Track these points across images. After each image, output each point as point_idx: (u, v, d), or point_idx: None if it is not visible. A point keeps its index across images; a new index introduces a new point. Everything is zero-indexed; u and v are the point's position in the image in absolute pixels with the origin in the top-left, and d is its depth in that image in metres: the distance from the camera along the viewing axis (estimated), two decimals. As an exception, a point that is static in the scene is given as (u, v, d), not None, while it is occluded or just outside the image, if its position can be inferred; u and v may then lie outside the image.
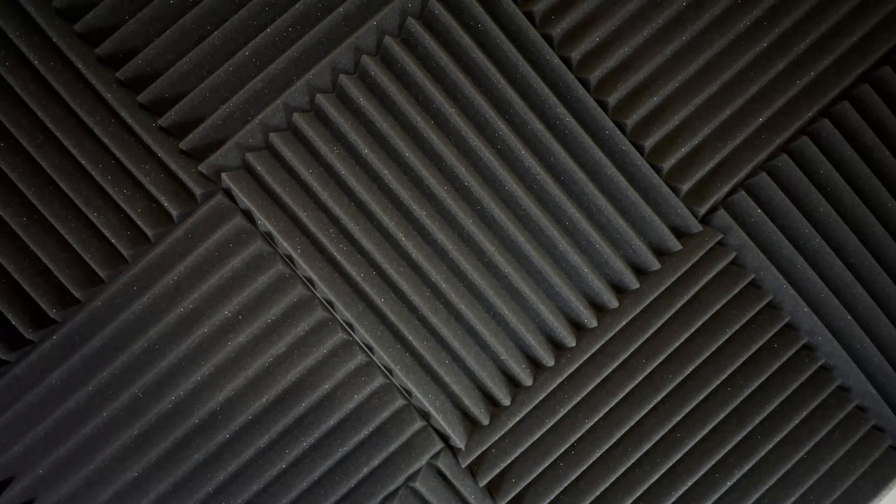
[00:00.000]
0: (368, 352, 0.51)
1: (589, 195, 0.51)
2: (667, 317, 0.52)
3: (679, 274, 0.52)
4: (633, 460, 0.52)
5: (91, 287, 0.49)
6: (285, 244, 0.49)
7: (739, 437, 0.53)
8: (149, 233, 0.49)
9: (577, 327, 0.53)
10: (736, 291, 0.53)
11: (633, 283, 0.52)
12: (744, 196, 0.53)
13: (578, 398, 0.52)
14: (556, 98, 0.50)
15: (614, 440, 0.52)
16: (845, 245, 0.54)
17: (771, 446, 0.54)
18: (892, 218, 0.54)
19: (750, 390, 0.53)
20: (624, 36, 0.52)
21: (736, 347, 0.53)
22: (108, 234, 0.49)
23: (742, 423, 0.53)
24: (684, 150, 0.52)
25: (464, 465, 0.51)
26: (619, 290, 0.53)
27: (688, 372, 0.53)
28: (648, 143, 0.52)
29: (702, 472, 0.53)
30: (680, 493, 0.53)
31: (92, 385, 0.48)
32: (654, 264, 0.53)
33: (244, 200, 0.49)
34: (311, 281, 0.51)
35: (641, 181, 0.52)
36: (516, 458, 0.52)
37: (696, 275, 0.53)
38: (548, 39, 0.51)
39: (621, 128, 0.52)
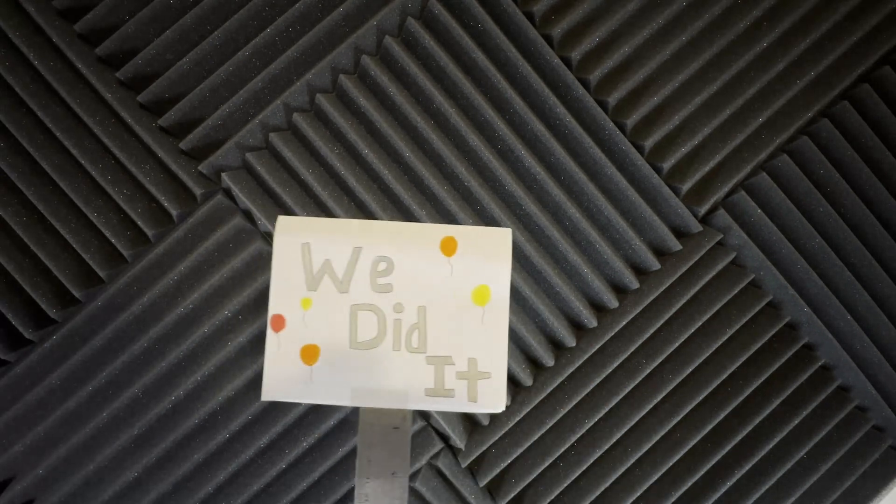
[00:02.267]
0: (368, 352, 0.51)
1: (589, 195, 0.51)
2: (667, 317, 0.52)
3: (679, 274, 0.52)
4: (633, 460, 0.52)
5: (91, 287, 0.49)
6: (285, 244, 0.49)
7: (739, 437, 0.53)
8: (149, 233, 0.49)
9: (577, 327, 0.53)
10: (736, 291, 0.53)
11: (633, 283, 0.53)
12: (744, 196, 0.53)
13: (578, 398, 0.52)
14: (556, 98, 0.50)
15: (614, 440, 0.52)
16: (845, 245, 0.54)
17: (771, 446, 0.54)
18: (892, 218, 0.54)
19: (750, 390, 0.53)
20: (624, 36, 0.52)
21: (736, 347, 0.53)
22: (108, 234, 0.49)
23: (742, 423, 0.53)
24: (684, 150, 0.52)
25: (464, 465, 0.51)
26: (619, 290, 0.53)
27: (688, 372, 0.53)
28: (648, 143, 0.52)
29: (702, 472, 0.53)
30: (680, 493, 0.53)
31: (92, 385, 0.48)
32: (654, 264, 0.53)
33: (244, 200, 0.49)
34: (311, 281, 0.51)
35: (641, 181, 0.52)
36: (516, 458, 0.52)
37: (696, 275, 0.53)
38: (548, 39, 0.51)
39: (621, 128, 0.52)
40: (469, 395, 0.35)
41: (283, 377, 0.34)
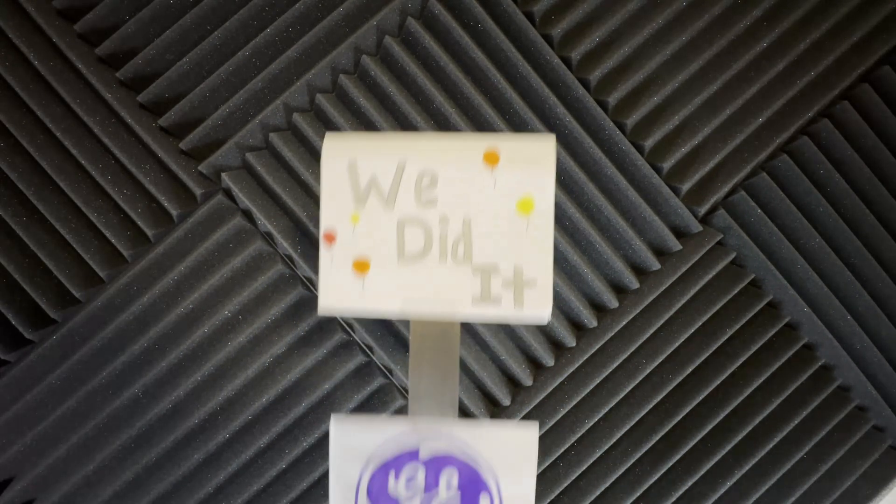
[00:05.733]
0: (368, 352, 0.51)
1: (589, 195, 0.51)
2: (667, 317, 0.52)
3: (679, 274, 0.52)
4: (633, 460, 0.52)
5: (91, 287, 0.49)
6: (285, 244, 0.49)
7: (739, 437, 0.53)
8: (149, 233, 0.49)
9: (577, 327, 0.53)
10: (736, 291, 0.53)
11: (633, 283, 0.53)
12: (744, 196, 0.53)
13: (578, 398, 0.52)
14: (556, 98, 0.50)
15: (614, 440, 0.52)
16: (845, 245, 0.54)
17: (771, 446, 0.54)
18: (892, 218, 0.54)
19: (750, 390, 0.53)
20: (624, 36, 0.52)
21: (736, 347, 0.53)
22: (108, 234, 0.49)
23: (742, 423, 0.54)
24: (684, 150, 0.52)
25: (464, 465, 0.51)
26: (619, 290, 0.53)
27: (688, 372, 0.53)
28: (648, 143, 0.52)
29: (702, 472, 0.53)
30: (680, 493, 0.53)
31: (92, 385, 0.48)
32: (654, 264, 0.53)
33: (244, 200, 0.49)
34: (311, 281, 0.51)
35: (641, 181, 0.52)
36: (516, 458, 0.52)
37: (696, 275, 0.53)
38: (548, 39, 0.51)
39: (621, 128, 0.52)
40: (515, 302, 0.35)
41: (338, 290, 0.36)
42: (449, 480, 0.36)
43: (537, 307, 0.35)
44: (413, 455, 0.36)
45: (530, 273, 0.36)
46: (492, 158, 0.35)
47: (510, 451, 0.36)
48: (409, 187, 0.36)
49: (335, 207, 0.36)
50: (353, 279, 0.36)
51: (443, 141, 0.37)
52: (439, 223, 0.36)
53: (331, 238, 0.36)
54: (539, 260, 0.36)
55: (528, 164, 0.36)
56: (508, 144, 0.36)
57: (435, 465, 0.36)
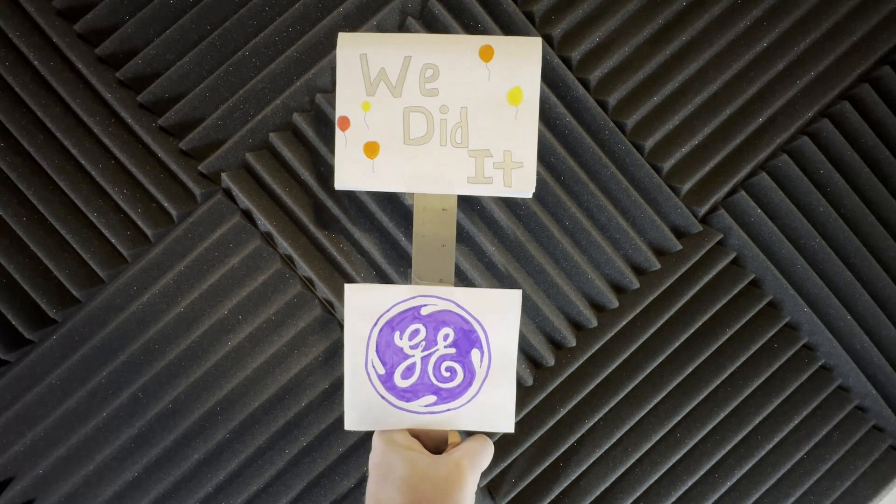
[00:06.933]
0: (368, 352, 0.51)
1: (589, 195, 0.51)
2: (667, 317, 0.52)
3: (679, 274, 0.52)
4: (633, 460, 0.52)
5: (91, 287, 0.49)
6: (285, 244, 0.49)
7: (739, 437, 0.53)
8: (149, 233, 0.49)
9: (577, 327, 0.53)
10: (736, 291, 0.53)
11: (633, 283, 0.53)
12: (744, 196, 0.53)
13: (578, 398, 0.52)
14: (556, 98, 0.50)
15: (614, 440, 0.52)
16: (845, 245, 0.54)
17: (771, 446, 0.54)
18: (892, 218, 0.54)
19: (750, 390, 0.53)
20: (624, 36, 0.52)
21: (736, 347, 0.53)
22: (108, 234, 0.49)
23: (742, 423, 0.54)
24: (684, 150, 0.52)
25: (464, 465, 0.51)
26: (619, 290, 0.53)
27: (688, 372, 0.53)
28: (648, 143, 0.52)
29: (702, 472, 0.53)
30: (680, 493, 0.53)
31: (92, 385, 0.48)
32: (654, 264, 0.53)
33: (244, 200, 0.49)
34: (310, 280, 0.51)
35: (642, 181, 0.52)
36: (516, 458, 0.52)
37: (696, 275, 0.53)
38: (548, 39, 0.51)
39: (621, 128, 0.52)
40: (504, 181, 0.41)
41: (351, 169, 0.41)
42: (446, 337, 0.42)
43: (524, 186, 0.41)
44: (415, 313, 0.41)
45: (518, 157, 0.41)
46: (486, 53, 0.41)
47: (498, 311, 0.42)
48: (414, 78, 0.41)
49: (348, 95, 0.41)
50: (365, 160, 0.41)
51: (444, 38, 0.42)
52: (440, 111, 0.41)
53: (345, 123, 0.41)
54: (525, 145, 0.41)
55: (519, 58, 0.41)
56: (501, 42, 0.41)
57: (434, 324, 0.41)
